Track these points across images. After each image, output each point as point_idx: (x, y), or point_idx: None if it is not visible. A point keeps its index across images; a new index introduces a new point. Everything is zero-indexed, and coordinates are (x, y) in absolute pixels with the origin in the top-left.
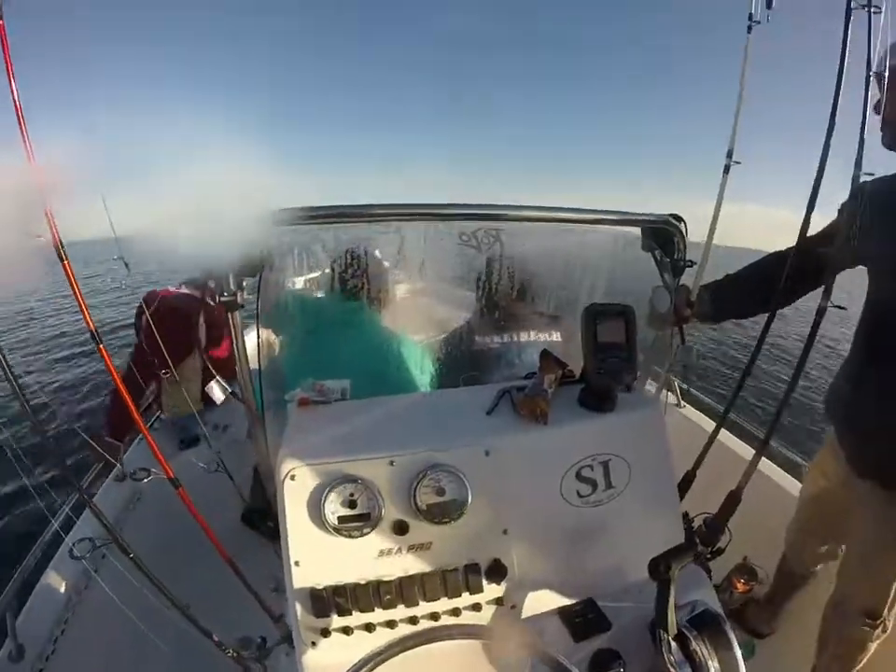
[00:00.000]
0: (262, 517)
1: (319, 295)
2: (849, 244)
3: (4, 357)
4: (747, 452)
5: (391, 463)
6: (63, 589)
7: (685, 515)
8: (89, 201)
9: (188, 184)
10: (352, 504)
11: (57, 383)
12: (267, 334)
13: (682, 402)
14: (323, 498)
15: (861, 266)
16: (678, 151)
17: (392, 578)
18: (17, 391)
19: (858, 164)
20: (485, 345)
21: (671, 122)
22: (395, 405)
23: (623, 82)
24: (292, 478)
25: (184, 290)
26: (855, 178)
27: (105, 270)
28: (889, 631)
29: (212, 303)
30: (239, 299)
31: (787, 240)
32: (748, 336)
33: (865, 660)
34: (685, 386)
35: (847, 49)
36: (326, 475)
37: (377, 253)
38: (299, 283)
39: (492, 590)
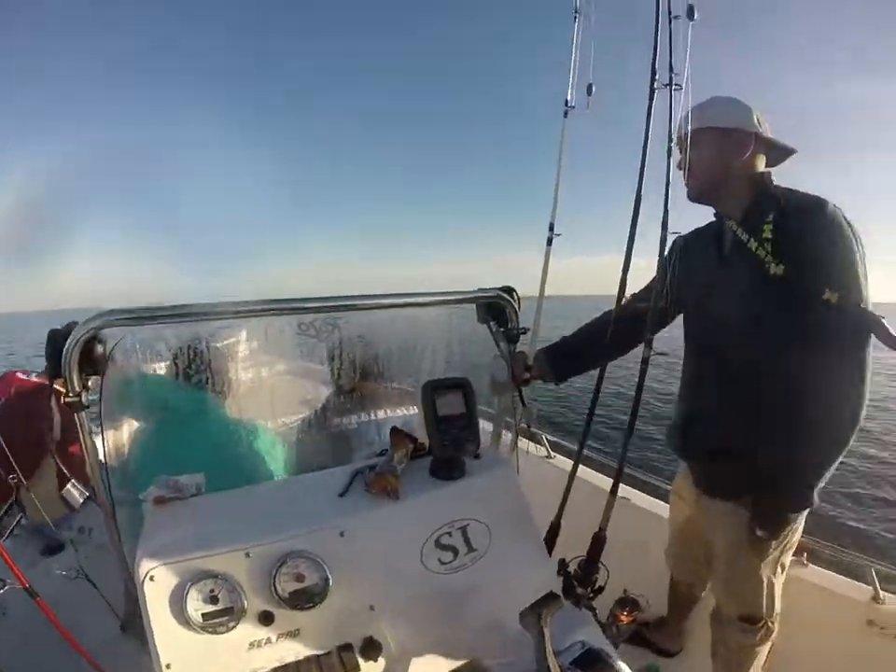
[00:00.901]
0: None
1: (165, 391)
2: (665, 297)
3: None
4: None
5: (247, 555)
6: None
7: (562, 561)
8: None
9: None
10: (213, 599)
11: None
12: (116, 434)
13: (552, 453)
14: (184, 597)
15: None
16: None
17: (266, 669)
18: None
19: (664, 225)
20: (342, 427)
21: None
22: (250, 495)
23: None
24: (151, 579)
25: (35, 378)
26: (662, 239)
27: None
28: (775, 631)
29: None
30: (84, 399)
31: (613, 283)
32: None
33: (761, 661)
34: (552, 438)
35: (652, 122)
36: (184, 573)
37: (220, 345)
38: (146, 377)
39: (370, 667)
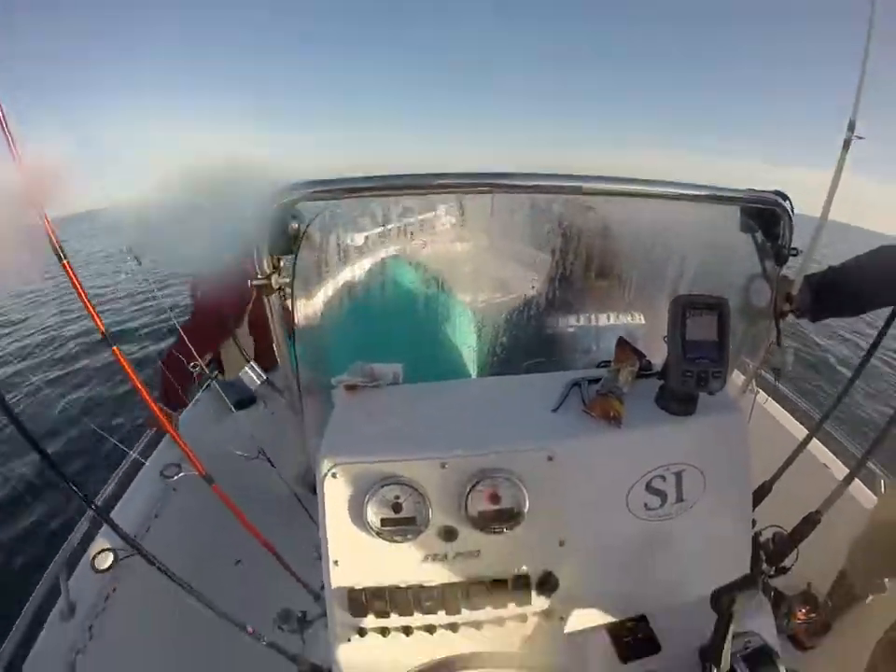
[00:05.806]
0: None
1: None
2: None
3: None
4: (833, 464)
5: (443, 465)
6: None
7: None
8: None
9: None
10: (397, 507)
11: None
12: (309, 313)
13: (767, 397)
14: (366, 500)
15: None
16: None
17: (434, 584)
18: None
19: None
20: (556, 326)
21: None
22: (450, 393)
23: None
24: (333, 475)
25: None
26: None
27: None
28: None
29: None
30: (274, 282)
31: None
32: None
33: None
34: (786, 391)
35: None
36: (370, 475)
37: (420, 219)
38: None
39: (540, 602)
